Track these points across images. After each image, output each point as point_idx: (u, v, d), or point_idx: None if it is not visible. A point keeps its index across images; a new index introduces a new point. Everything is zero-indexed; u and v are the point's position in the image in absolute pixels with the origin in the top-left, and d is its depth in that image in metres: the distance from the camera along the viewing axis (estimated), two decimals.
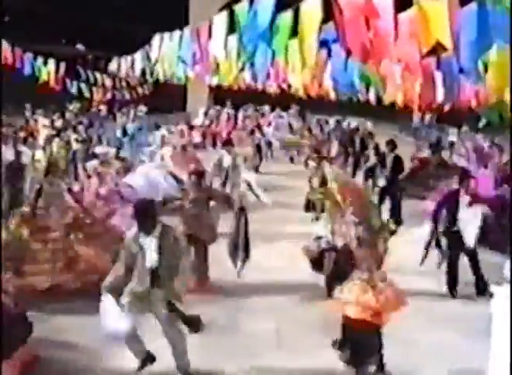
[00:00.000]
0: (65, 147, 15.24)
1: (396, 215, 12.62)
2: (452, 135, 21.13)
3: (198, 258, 9.27)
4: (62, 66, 17.22)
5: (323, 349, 6.83)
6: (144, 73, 15.10)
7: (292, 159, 20.94)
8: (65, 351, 7.18)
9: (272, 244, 11.39)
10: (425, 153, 17.10)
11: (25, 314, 6.95)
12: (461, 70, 7.32)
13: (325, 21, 6.62)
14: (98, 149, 14.14)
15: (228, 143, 13.74)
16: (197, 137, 18.08)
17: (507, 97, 7.89)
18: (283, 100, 21.31)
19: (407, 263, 9.30)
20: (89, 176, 11.48)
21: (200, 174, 9.66)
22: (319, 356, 6.96)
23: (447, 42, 5.33)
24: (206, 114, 22.62)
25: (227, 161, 12.90)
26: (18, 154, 13.01)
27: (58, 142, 14.87)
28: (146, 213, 6.31)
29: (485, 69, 8.29)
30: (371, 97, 14.40)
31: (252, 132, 19.20)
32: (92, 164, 12.21)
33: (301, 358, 7.05)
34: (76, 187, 11.27)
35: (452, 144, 18.73)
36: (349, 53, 6.56)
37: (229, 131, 19.22)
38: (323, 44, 7.92)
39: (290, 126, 22.34)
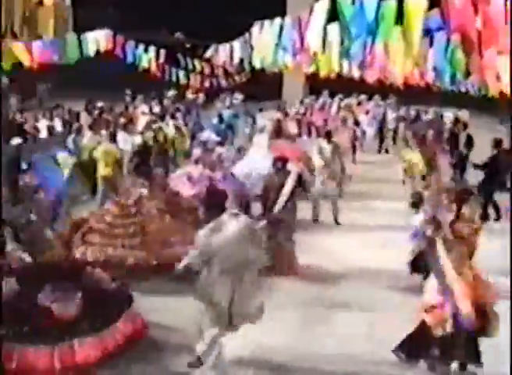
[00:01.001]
0: (164, 133, 15.63)
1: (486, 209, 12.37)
2: None
3: (286, 242, 9.37)
4: (162, 53, 17.57)
5: None
6: (241, 60, 15.21)
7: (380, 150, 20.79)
8: (158, 330, 7.41)
9: (362, 233, 11.38)
10: None
11: (126, 285, 7.24)
12: None
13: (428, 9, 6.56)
14: (202, 136, 14.42)
15: (327, 134, 13.70)
16: (292, 126, 18.04)
17: None
18: (381, 90, 21.02)
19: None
20: (196, 162, 11.75)
21: (285, 160, 9.78)
22: None
23: None
24: (302, 102, 22.57)
25: (327, 151, 12.87)
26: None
27: (157, 128, 15.27)
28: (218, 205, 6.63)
29: None
30: (472, 87, 14.03)
31: (345, 121, 19.08)
32: (196, 151, 12.54)
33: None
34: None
35: None
36: (454, 42, 6.45)
37: (325, 120, 19.09)
38: (425, 32, 7.80)
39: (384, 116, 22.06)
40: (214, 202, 7.17)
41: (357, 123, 20.14)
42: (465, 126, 18.03)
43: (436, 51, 8.73)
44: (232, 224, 6.52)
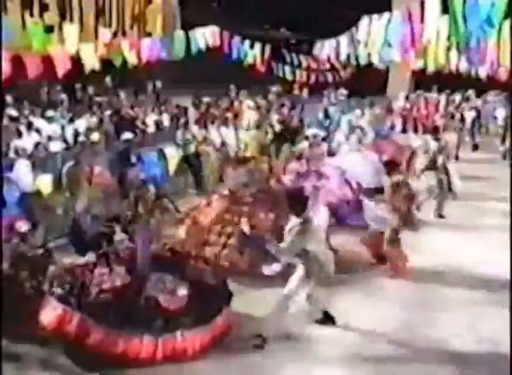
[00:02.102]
0: (267, 128, 15.75)
1: None
2: None
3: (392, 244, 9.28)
4: (268, 49, 17.68)
5: None
6: (348, 56, 15.08)
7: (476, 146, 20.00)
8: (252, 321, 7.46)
9: (468, 234, 11.10)
10: None
11: (225, 281, 7.32)
12: None
13: None
14: (309, 131, 14.41)
15: (435, 129, 13.36)
16: (397, 122, 17.76)
17: None
18: (490, 85, 20.34)
19: None
20: (298, 158, 11.74)
21: (395, 165, 9.72)
22: None
23: None
24: (407, 98, 22.15)
25: (433, 147, 12.56)
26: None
27: (260, 123, 15.42)
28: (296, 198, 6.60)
29: None
30: None
31: (452, 117, 18.55)
32: (301, 145, 12.56)
33: None
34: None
35: None
36: None
37: (432, 116, 18.66)
38: None
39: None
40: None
41: (463, 119, 19.49)
42: None
43: None
44: None
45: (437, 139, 12.72)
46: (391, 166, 9.81)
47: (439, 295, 8.63)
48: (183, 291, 6.71)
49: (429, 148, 12.59)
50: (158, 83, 19.44)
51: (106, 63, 13.90)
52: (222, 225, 9.36)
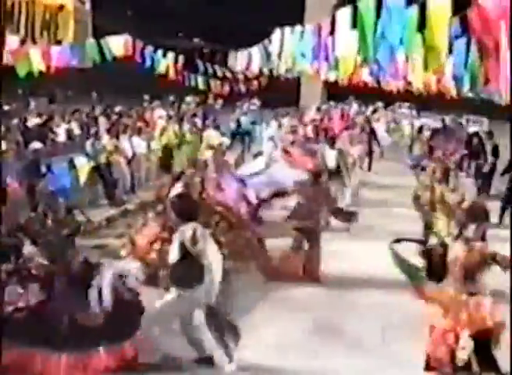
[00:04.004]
0: (180, 138, 15.70)
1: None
2: None
3: (311, 249, 9.35)
4: (181, 58, 17.64)
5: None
6: (261, 67, 15.24)
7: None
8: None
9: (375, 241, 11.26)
10: None
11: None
12: None
13: None
14: (214, 140, 14.40)
15: (331, 139, 13.63)
16: (309, 132, 18.02)
17: None
18: (400, 97, 20.97)
19: None
20: (206, 166, 11.69)
21: (318, 174, 9.75)
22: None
23: None
24: (319, 109, 22.59)
25: (331, 158, 12.76)
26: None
27: (173, 133, 15.34)
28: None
29: None
30: (491, 96, 13.94)
31: (363, 129, 19.01)
32: (207, 154, 12.49)
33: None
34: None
35: None
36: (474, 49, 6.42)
37: (342, 128, 19.04)
38: None
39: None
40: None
41: (372, 130, 19.91)
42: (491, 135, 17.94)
43: (456, 58, 8.69)
44: None
45: (333, 148, 12.95)
46: (315, 174, 9.74)
47: (352, 300, 8.71)
48: (98, 309, 6.52)
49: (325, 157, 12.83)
50: (69, 92, 19.09)
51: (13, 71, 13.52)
52: (161, 243, 9.18)
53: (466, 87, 11.64)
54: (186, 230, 6.10)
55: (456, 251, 6.06)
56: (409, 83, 14.54)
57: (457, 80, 10.47)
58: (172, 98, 21.05)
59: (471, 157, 17.05)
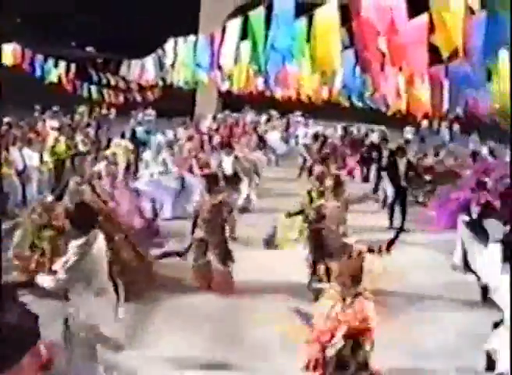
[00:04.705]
0: (72, 149, 15.40)
1: (402, 222, 12.67)
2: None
3: (219, 259, 9.25)
4: (73, 67, 17.37)
5: None
6: (155, 76, 15.23)
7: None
8: None
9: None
10: (430, 160, 17.11)
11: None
12: (468, 77, 7.47)
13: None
14: (107, 150, 14.20)
15: (227, 145, 13.77)
16: (205, 141, 18.11)
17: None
18: (292, 106, 21.41)
19: None
20: (99, 177, 11.51)
21: (212, 178, 9.54)
22: None
23: (467, 48, 5.40)
24: (214, 118, 22.75)
25: (228, 165, 12.90)
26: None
27: (65, 144, 15.02)
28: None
29: (489, 77, 8.47)
30: (376, 104, 14.46)
31: (258, 137, 19.30)
32: (100, 165, 12.28)
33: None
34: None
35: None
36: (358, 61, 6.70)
37: (239, 135, 19.27)
38: None
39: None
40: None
41: (261, 138, 20.14)
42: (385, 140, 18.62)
43: (344, 68, 9.02)
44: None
45: (230, 155, 13.10)
46: (210, 181, 9.56)
47: (250, 308, 8.74)
48: None
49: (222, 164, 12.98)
50: None
51: None
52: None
53: (354, 96, 12.13)
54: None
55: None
56: (299, 93, 14.89)
57: (346, 89, 10.84)
58: (63, 108, 20.60)
59: (365, 163, 17.69)
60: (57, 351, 6.28)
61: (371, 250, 6.41)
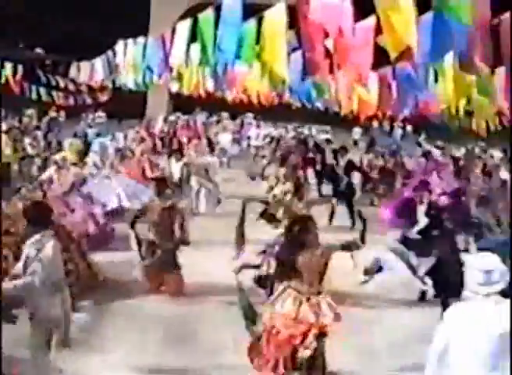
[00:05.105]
0: (20, 152, 15.15)
1: (353, 221, 12.81)
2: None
3: (168, 262, 9.22)
4: (20, 69, 17.11)
5: None
6: (105, 78, 15.10)
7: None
8: None
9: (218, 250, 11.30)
10: (381, 160, 17.35)
11: None
12: (413, 79, 7.63)
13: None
14: (58, 155, 14.02)
15: (177, 150, 13.77)
16: (156, 144, 18.06)
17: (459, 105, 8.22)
18: (243, 107, 21.46)
19: None
20: (51, 182, 11.33)
21: (161, 182, 9.56)
22: None
23: (416, 48, 5.46)
24: (165, 120, 22.67)
25: (177, 170, 12.85)
26: None
27: (12, 147, 14.77)
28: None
29: (436, 79, 8.65)
30: (327, 106, 14.62)
31: (208, 139, 19.33)
32: (50, 170, 12.10)
33: None
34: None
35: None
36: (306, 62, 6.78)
37: (189, 138, 19.21)
38: None
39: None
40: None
41: (210, 141, 20.12)
42: (328, 141, 18.82)
43: (292, 70, 9.07)
44: None
45: (180, 160, 13.09)
46: (160, 185, 9.52)
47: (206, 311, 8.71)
48: None
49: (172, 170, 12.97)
50: None
51: None
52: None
53: (303, 97, 12.22)
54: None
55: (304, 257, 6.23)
56: (249, 95, 14.91)
57: (294, 91, 10.92)
58: (11, 110, 20.24)
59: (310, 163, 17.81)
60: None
61: (345, 247, 6.45)
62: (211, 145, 19.11)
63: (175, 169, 12.99)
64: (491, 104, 8.96)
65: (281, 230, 8.58)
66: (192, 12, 9.10)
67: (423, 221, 9.25)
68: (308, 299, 6.11)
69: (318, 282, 6.24)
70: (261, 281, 8.42)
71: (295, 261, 6.16)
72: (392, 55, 5.61)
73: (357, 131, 25.36)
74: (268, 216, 9.40)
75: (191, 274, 9.59)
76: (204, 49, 7.48)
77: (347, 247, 6.46)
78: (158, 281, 9.16)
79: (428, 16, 5.77)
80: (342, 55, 6.08)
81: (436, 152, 18.53)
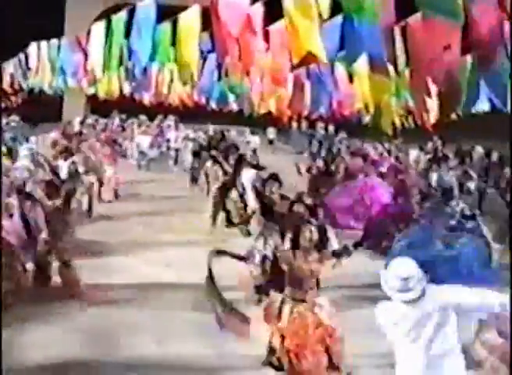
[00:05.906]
0: None
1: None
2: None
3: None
4: None
5: None
6: (18, 81, 14.78)
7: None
8: None
9: (151, 250, 11.33)
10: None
11: None
12: (324, 80, 7.86)
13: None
14: None
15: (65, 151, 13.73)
16: (72, 147, 17.75)
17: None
18: (161, 110, 21.41)
19: None
20: None
21: (48, 183, 9.56)
22: None
23: (319, 53, 5.62)
24: (82, 123, 22.35)
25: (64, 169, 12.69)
26: None
27: None
28: None
29: (351, 79, 8.92)
30: (242, 106, 14.67)
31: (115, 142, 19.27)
32: None
33: None
34: None
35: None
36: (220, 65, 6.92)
37: (103, 142, 18.96)
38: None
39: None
40: None
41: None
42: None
43: (208, 72, 9.20)
44: None
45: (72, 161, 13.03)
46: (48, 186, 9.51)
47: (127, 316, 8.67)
48: None
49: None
50: None
51: None
52: None
53: (219, 99, 12.34)
54: None
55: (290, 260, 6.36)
56: (166, 97, 14.85)
57: (207, 93, 11.02)
58: None
59: None
60: None
61: (336, 254, 6.54)
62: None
63: (63, 169, 12.65)
64: (400, 104, 9.32)
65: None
66: (108, 14, 9.08)
67: None
68: (304, 305, 6.23)
69: (313, 288, 6.38)
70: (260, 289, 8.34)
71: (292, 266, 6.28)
72: (295, 59, 5.74)
73: (271, 131, 26.06)
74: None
75: (100, 277, 9.55)
76: (117, 51, 7.51)
77: (338, 254, 6.51)
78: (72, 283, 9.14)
79: (338, 19, 5.94)
80: (248, 59, 6.20)
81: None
